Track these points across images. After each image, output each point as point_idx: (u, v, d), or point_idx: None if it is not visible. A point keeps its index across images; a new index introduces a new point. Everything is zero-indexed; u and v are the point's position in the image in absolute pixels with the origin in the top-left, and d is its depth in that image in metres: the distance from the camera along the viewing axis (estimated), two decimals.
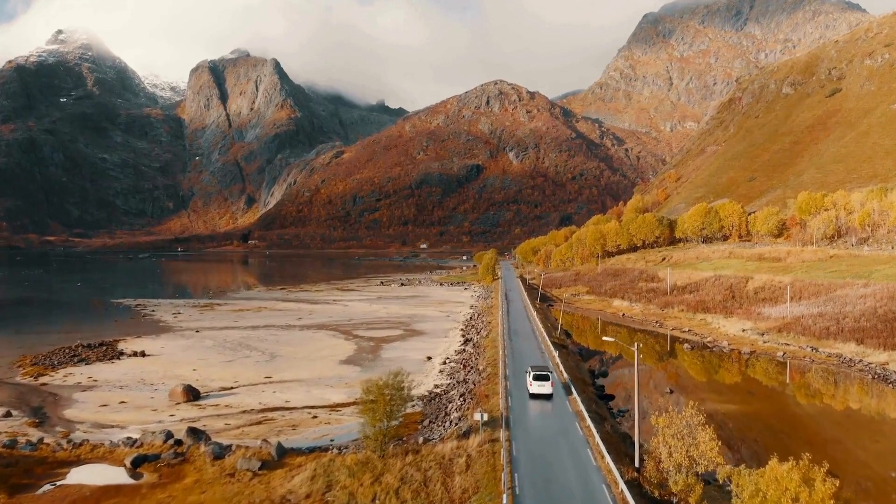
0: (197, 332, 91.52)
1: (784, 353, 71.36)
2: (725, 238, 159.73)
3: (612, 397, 50.86)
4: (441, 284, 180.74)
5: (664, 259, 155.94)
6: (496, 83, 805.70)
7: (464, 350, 69.69)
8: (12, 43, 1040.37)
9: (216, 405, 51.81)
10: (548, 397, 41.76)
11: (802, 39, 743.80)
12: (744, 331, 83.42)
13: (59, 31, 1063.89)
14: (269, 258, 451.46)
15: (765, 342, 76.87)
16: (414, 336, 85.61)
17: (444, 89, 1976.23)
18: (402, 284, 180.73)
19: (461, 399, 46.06)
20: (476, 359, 60.48)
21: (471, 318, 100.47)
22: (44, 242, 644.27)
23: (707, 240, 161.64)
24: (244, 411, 49.88)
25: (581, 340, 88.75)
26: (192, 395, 53.31)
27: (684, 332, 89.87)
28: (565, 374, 47.47)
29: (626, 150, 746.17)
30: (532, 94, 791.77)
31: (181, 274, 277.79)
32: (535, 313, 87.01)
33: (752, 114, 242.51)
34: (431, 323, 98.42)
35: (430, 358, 67.58)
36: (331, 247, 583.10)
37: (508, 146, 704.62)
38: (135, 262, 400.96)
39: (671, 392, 54.10)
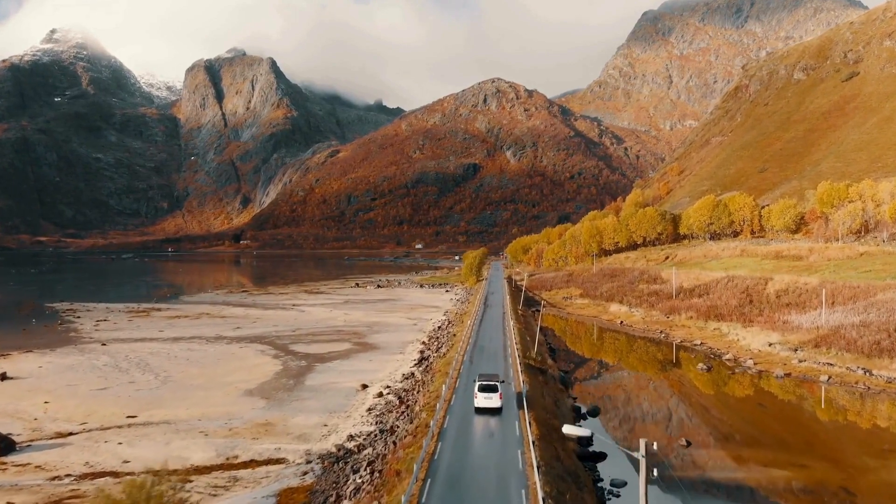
0: (103, 345, 75.40)
1: (829, 378, 55.08)
2: (736, 234, 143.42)
3: (602, 456, 34.59)
4: (421, 286, 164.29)
5: (667, 258, 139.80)
6: (493, 81, 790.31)
7: (412, 375, 53.41)
8: (6, 42, 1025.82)
9: (24, 466, 35.62)
10: (496, 411, 35.09)
11: (804, 37, 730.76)
12: (770, 345, 67.01)
13: (54, 31, 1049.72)
14: (256, 258, 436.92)
15: (801, 361, 60.46)
16: (363, 352, 69.33)
17: (441, 88, 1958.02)
18: (379, 286, 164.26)
19: (368, 471, 29.77)
20: (418, 392, 44.29)
21: (440, 327, 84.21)
22: (35, 243, 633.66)
23: (715, 236, 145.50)
24: (55, 478, 33.71)
25: (571, 351, 72.53)
26: None
27: (696, 345, 73.57)
28: (530, 431, 31.03)
29: (626, 148, 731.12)
30: (530, 93, 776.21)
31: (155, 275, 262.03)
32: (512, 323, 70.75)
33: (760, 101, 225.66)
34: (392, 334, 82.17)
35: (365, 386, 51.21)
36: (324, 247, 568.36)
37: (506, 145, 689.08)
38: (117, 262, 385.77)
39: (688, 445, 37.78)
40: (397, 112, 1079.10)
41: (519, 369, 45.60)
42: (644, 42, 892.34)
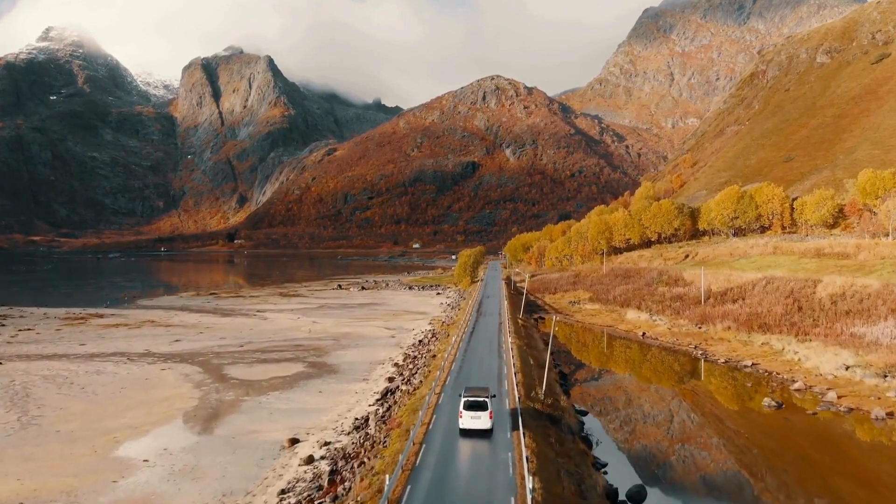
0: None
1: None
2: (764, 229, 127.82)
3: None
4: (410, 288, 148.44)
5: (687, 256, 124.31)
6: (493, 78, 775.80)
7: (366, 422, 37.60)
8: (1, 40, 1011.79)
9: None
10: (485, 434, 28.11)
11: None
12: (848, 368, 51.40)
13: (49, 29, 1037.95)
14: (247, 258, 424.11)
15: None
16: (316, 377, 53.60)
17: (440, 87, 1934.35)
18: (363, 288, 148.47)
19: None
20: (361, 465, 28.55)
21: (421, 341, 68.49)
22: (28, 242, 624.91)
23: (739, 232, 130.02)
24: None
25: (585, 370, 56.56)
26: None
27: (745, 366, 57.88)
28: None
29: (627, 146, 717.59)
30: (529, 90, 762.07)
31: (133, 275, 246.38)
32: (511, 339, 55.01)
33: (780, 87, 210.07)
34: (361, 349, 66.49)
35: (295, 442, 35.31)
36: (320, 246, 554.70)
37: (505, 143, 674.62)
38: (102, 262, 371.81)
39: None
40: (396, 111, 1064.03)
41: (520, 420, 30.03)
42: (645, 39, 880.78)
